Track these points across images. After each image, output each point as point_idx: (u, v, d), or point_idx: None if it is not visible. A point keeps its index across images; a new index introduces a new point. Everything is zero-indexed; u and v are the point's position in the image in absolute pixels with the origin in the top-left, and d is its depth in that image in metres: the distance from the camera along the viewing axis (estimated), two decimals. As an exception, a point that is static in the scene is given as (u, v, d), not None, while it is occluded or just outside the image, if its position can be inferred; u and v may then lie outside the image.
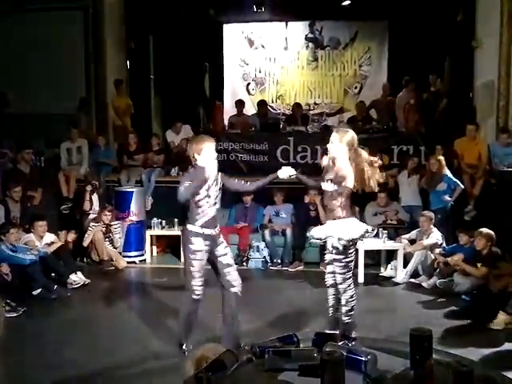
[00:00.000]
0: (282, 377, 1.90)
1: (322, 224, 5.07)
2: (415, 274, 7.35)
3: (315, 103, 12.86)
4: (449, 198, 7.96)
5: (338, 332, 3.89)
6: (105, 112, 10.58)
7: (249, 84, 12.96)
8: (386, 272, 7.70)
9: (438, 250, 7.25)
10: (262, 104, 11.18)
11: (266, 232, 8.35)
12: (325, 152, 4.69)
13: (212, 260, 4.62)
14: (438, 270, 7.08)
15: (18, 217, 7.92)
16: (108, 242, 8.29)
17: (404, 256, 7.49)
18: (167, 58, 11.87)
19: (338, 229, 4.39)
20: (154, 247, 9.02)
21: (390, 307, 6.46)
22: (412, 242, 7.61)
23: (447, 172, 8.04)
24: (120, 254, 8.38)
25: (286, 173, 4.59)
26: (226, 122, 11.14)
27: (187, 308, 4.60)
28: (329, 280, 4.65)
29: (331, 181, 4.41)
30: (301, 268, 8.03)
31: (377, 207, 8.37)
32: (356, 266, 6.79)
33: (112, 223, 8.33)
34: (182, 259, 8.39)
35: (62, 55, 10.09)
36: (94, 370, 4.49)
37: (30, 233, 7.35)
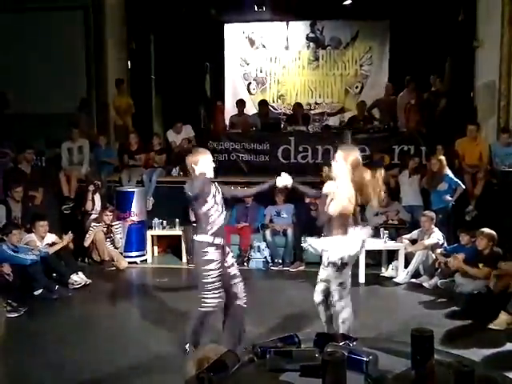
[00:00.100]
0: (284, 377, 1.89)
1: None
2: (416, 274, 7.34)
3: (316, 103, 12.87)
4: (450, 198, 7.96)
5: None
6: (106, 112, 10.59)
7: (250, 84, 12.97)
8: (387, 272, 7.71)
9: (439, 250, 7.25)
10: (262, 104, 11.18)
11: (267, 232, 8.34)
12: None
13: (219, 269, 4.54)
14: (439, 270, 7.07)
15: (20, 217, 7.90)
16: (109, 242, 8.29)
17: (405, 256, 7.48)
18: (168, 58, 11.89)
19: (334, 245, 4.28)
20: (155, 247, 9.03)
21: (391, 307, 6.45)
22: (413, 242, 7.59)
23: (448, 172, 8.03)
24: (121, 254, 8.39)
25: (283, 181, 4.58)
26: (226, 122, 11.14)
27: (199, 318, 4.48)
28: (317, 297, 4.48)
29: (331, 200, 4.28)
30: (302, 268, 8.02)
31: (378, 207, 8.35)
32: (357, 266, 6.84)
33: (113, 223, 8.34)
34: (184, 260, 8.52)
35: (62, 55, 10.10)
36: (95, 370, 4.48)
37: (32, 233, 7.34)
